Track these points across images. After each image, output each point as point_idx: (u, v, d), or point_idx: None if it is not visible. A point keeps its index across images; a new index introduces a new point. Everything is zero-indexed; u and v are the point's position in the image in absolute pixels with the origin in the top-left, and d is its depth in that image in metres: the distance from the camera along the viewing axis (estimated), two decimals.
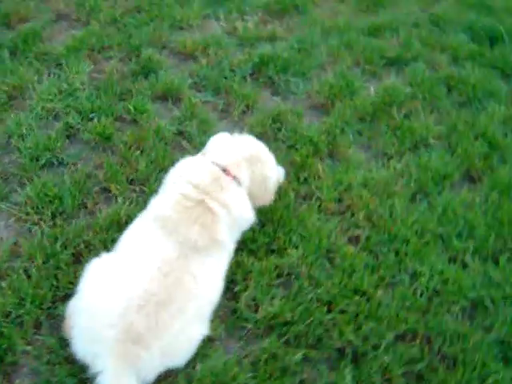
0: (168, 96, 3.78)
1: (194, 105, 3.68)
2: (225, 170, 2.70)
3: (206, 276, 2.48)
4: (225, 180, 2.68)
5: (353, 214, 3.03)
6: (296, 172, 3.25)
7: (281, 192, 3.07)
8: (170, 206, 2.58)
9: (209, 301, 2.51)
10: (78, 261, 2.75)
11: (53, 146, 3.36)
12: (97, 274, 2.43)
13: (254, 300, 2.64)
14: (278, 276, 2.75)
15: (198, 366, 2.40)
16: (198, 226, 2.51)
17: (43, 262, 2.75)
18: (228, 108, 3.75)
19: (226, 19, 4.53)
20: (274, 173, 2.91)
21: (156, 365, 2.29)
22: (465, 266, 2.81)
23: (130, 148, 3.36)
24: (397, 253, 2.83)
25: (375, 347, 2.47)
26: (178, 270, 2.37)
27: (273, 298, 2.65)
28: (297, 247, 2.84)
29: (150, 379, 2.29)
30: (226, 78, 3.93)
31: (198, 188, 2.61)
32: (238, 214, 2.69)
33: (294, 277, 2.74)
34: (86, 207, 3.08)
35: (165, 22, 4.44)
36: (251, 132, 3.43)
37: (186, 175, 2.71)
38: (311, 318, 2.54)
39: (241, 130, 3.48)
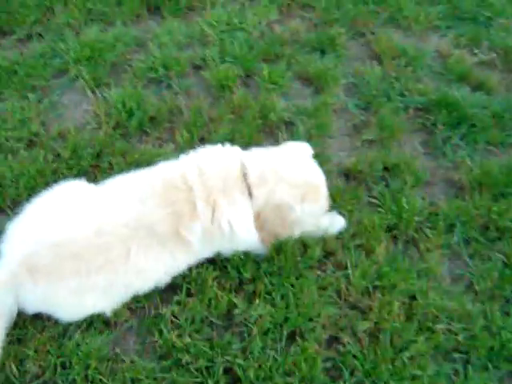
0: (313, 81, 3.52)
1: (326, 104, 3.35)
2: (245, 174, 2.51)
3: (143, 262, 2.36)
4: (235, 184, 2.48)
5: (360, 316, 2.47)
6: (353, 234, 2.77)
7: (313, 240, 2.67)
8: (164, 176, 2.50)
9: (129, 284, 2.41)
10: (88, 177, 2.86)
11: (173, 67, 3.48)
12: (57, 193, 2.53)
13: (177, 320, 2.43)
14: (229, 318, 2.47)
15: (77, 335, 2.35)
16: (170, 211, 2.39)
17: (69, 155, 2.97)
18: (361, 127, 3.32)
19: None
20: (309, 210, 2.56)
21: (35, 303, 2.33)
22: None
23: (226, 110, 3.27)
24: None
25: None
26: (116, 238, 2.30)
27: (196, 331, 2.39)
28: (268, 303, 2.47)
29: (28, 309, 2.34)
30: (388, 98, 3.45)
31: (202, 175, 2.46)
32: (226, 230, 2.48)
33: (233, 329, 2.43)
34: (147, 135, 3.17)
35: None
36: (354, 166, 3.04)
37: (201, 154, 2.60)
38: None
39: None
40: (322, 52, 3.72)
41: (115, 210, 2.38)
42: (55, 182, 2.76)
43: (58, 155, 2.98)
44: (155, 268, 2.43)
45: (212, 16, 3.85)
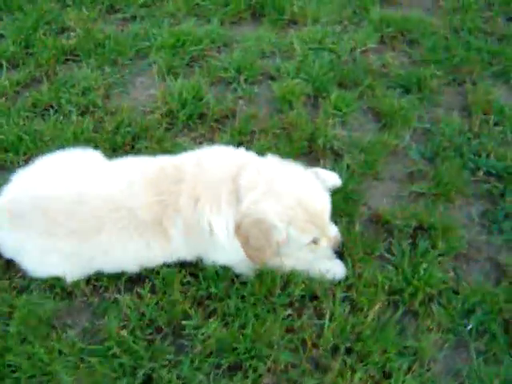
0: (382, 117, 3.22)
1: (385, 144, 3.02)
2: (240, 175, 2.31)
3: (115, 241, 2.32)
4: (225, 183, 2.31)
5: (314, 375, 2.16)
6: (349, 285, 2.43)
7: (299, 276, 2.41)
8: (160, 164, 2.44)
9: (95, 259, 2.37)
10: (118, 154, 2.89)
11: (245, 72, 3.42)
12: (68, 155, 2.60)
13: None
14: (181, 328, 2.31)
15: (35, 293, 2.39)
16: (156, 199, 2.32)
17: None
18: (415, 177, 2.94)
19: None
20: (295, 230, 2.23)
21: (9, 248, 2.42)
22: None
23: (277, 124, 3.13)
24: None
25: None
26: (94, 210, 2.29)
27: (141, 329, 2.27)
28: (224, 326, 2.27)
29: (3, 253, 2.45)
30: (459, 154, 3.01)
31: (196, 168, 2.36)
32: (206, 229, 2.32)
33: (178, 340, 2.28)
34: (191, 130, 3.13)
35: None
36: (385, 214, 2.73)
37: (206, 151, 2.50)
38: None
39: None
40: (407, 91, 3.39)
41: (104, 184, 2.37)
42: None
43: (102, 127, 3.06)
44: (125, 252, 2.36)
45: (307, 32, 3.71)
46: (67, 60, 3.54)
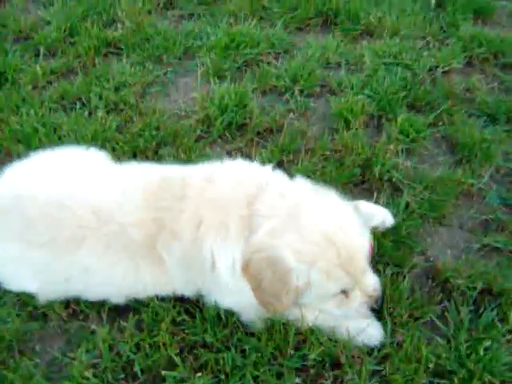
0: (459, 150, 2.64)
1: (458, 182, 2.45)
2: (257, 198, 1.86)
3: (96, 261, 1.93)
4: (237, 206, 1.85)
5: None
6: (384, 356, 1.88)
7: (319, 336, 1.89)
8: (163, 174, 2.04)
9: (71, 280, 1.98)
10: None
11: (301, 82, 2.97)
12: (68, 153, 2.29)
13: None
14: (162, 379, 1.86)
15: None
16: (152, 217, 1.93)
17: None
18: (491, 227, 2.36)
19: None
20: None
21: None
22: None
23: (328, 145, 2.64)
24: None
25: None
26: (75, 220, 1.92)
27: (112, 371, 1.85)
28: (211, 379, 1.81)
29: None
30: None
31: (205, 183, 1.93)
32: (207, 260, 1.87)
33: None
34: (227, 142, 2.71)
35: None
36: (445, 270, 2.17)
37: (223, 165, 2.06)
38: None
39: None
40: (493, 121, 2.81)
41: (96, 191, 1.99)
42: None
43: (127, 128, 2.72)
44: (109, 277, 1.96)
45: (383, 45, 3.21)
46: (110, 53, 3.27)
